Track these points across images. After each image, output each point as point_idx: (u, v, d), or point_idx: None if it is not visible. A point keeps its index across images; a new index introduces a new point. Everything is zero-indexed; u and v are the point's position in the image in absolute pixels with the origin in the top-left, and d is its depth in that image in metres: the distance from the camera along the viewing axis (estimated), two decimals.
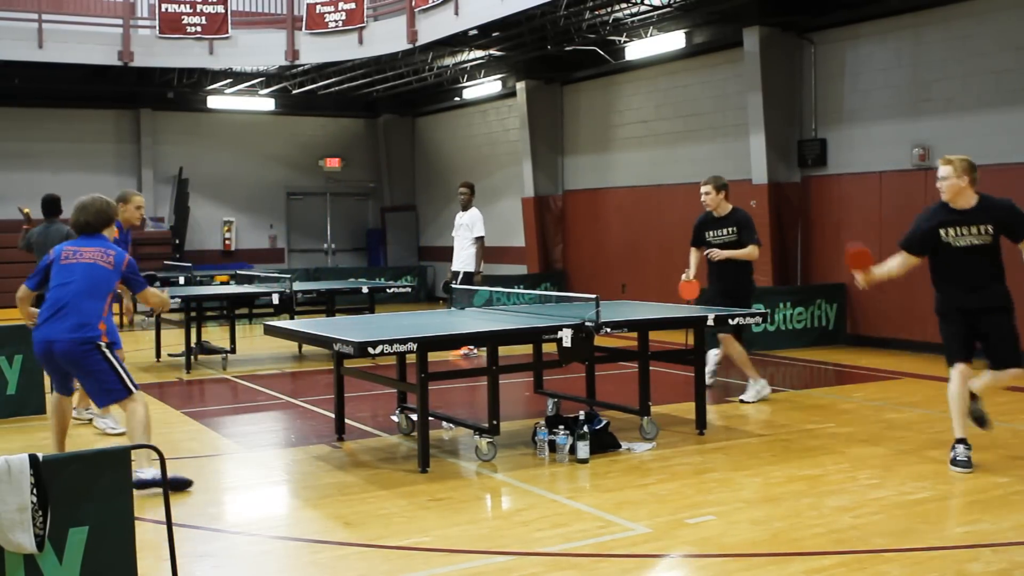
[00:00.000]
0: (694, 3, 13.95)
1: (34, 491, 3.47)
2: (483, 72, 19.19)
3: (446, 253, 22.27)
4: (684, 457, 6.98)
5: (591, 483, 6.35)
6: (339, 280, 16.72)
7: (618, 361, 8.51)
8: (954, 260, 6.52)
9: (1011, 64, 11.55)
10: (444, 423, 7.76)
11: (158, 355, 12.31)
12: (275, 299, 11.86)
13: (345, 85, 20.19)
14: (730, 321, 8.00)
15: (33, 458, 3.51)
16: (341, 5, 17.63)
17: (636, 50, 15.83)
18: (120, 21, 18.04)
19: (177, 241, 20.78)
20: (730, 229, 9.18)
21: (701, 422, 7.68)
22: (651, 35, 15.32)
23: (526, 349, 7.86)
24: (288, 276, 12.54)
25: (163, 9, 17.84)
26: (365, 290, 12.81)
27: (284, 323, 8.75)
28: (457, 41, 16.32)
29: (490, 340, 6.82)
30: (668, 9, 14.40)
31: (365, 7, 17.47)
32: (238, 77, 19.98)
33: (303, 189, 23.37)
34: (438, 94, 21.50)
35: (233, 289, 13.65)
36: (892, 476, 6.39)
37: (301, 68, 18.97)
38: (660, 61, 16.04)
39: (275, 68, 19.19)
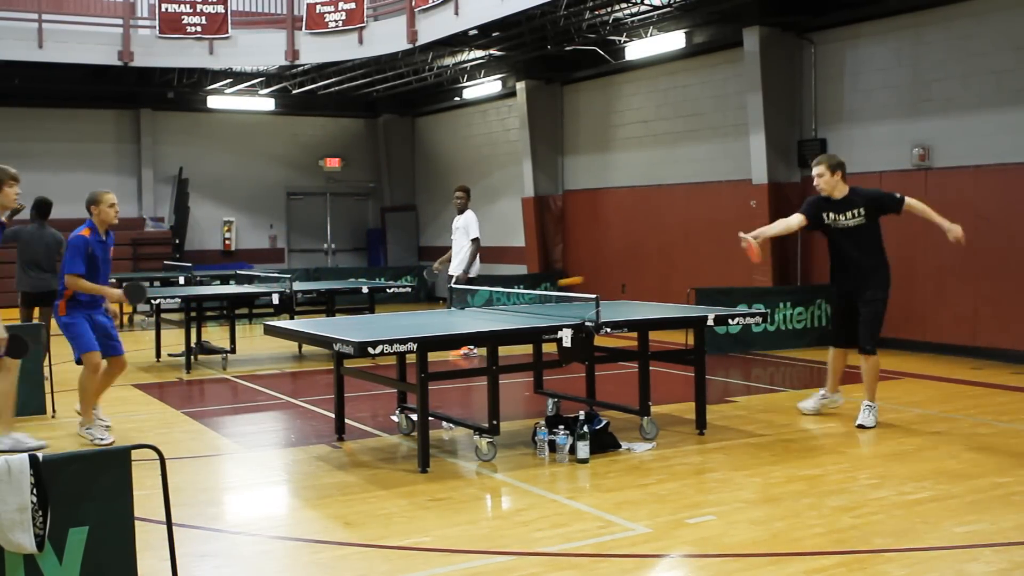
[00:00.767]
0: (694, 3, 13.95)
1: (34, 491, 3.47)
2: (483, 72, 19.20)
3: (446, 253, 22.39)
4: (684, 457, 6.98)
5: (591, 483, 6.35)
6: (339, 280, 16.72)
7: (618, 361, 8.51)
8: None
9: (1011, 64, 11.55)
10: (444, 423, 7.76)
11: (158, 355, 12.30)
12: (275, 299, 11.86)
13: (345, 85, 20.20)
14: (730, 321, 8.01)
15: (33, 458, 3.51)
16: (341, 5, 17.63)
17: (636, 50, 15.83)
18: (120, 21, 18.05)
19: (177, 241, 20.78)
20: (857, 211, 7.94)
21: (701, 422, 7.68)
22: (651, 35, 15.32)
23: (526, 349, 7.86)
24: (288, 276, 12.54)
25: (163, 9, 17.85)
26: (365, 290, 12.81)
27: (284, 323, 8.75)
28: (457, 41, 16.32)
29: (490, 340, 6.82)
30: (668, 9, 14.40)
31: (365, 7, 17.47)
32: (238, 77, 19.98)
33: (303, 189, 23.37)
34: (438, 94, 21.51)
35: (233, 289, 13.65)
36: (892, 476, 6.39)
37: (301, 68, 18.98)
38: (660, 61, 16.05)
39: (275, 68, 19.20)
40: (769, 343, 12.77)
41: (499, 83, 19.42)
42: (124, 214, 20.84)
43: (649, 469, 6.63)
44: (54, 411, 8.79)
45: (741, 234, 8.10)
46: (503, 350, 6.93)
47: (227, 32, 18.07)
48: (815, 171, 8.03)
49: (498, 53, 17.15)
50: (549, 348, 7.17)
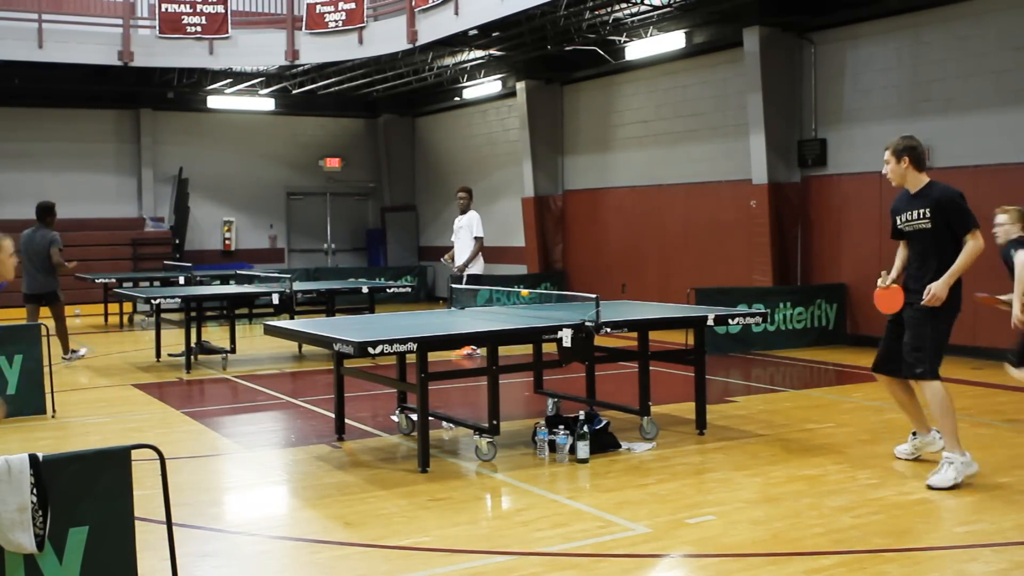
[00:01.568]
0: (694, 3, 13.95)
1: (34, 491, 3.47)
2: (483, 72, 19.19)
3: (446, 253, 22.38)
4: (684, 457, 6.98)
5: (591, 483, 6.35)
6: (339, 280, 16.72)
7: (618, 361, 8.51)
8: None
9: (1011, 64, 11.55)
10: (444, 423, 7.76)
11: (158, 355, 12.30)
12: (275, 299, 11.86)
13: (345, 85, 20.19)
14: (730, 321, 8.00)
15: (33, 458, 3.51)
16: (341, 5, 17.63)
17: (636, 50, 15.83)
18: (120, 21, 18.04)
19: (177, 241, 20.78)
20: (923, 211, 6.41)
21: (701, 422, 7.68)
22: (651, 35, 15.32)
23: (526, 349, 7.86)
24: (288, 276, 12.54)
25: (163, 9, 17.84)
26: (365, 290, 12.81)
27: (284, 323, 8.75)
28: (457, 41, 16.32)
29: (490, 340, 6.82)
30: (668, 9, 14.40)
31: (365, 7, 17.47)
32: (238, 77, 19.98)
33: (303, 189, 23.37)
34: (438, 94, 21.50)
35: (233, 289, 13.65)
36: (892, 476, 6.39)
37: (301, 68, 18.98)
38: (660, 61, 16.05)
39: (275, 68, 19.20)
40: (769, 343, 12.77)
41: (499, 83, 19.41)
42: (124, 214, 21.09)
43: (649, 469, 6.63)
44: (54, 411, 8.78)
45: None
46: (503, 350, 6.93)
47: (227, 32, 18.07)
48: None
49: (498, 53, 17.15)
50: (549, 348, 7.17)
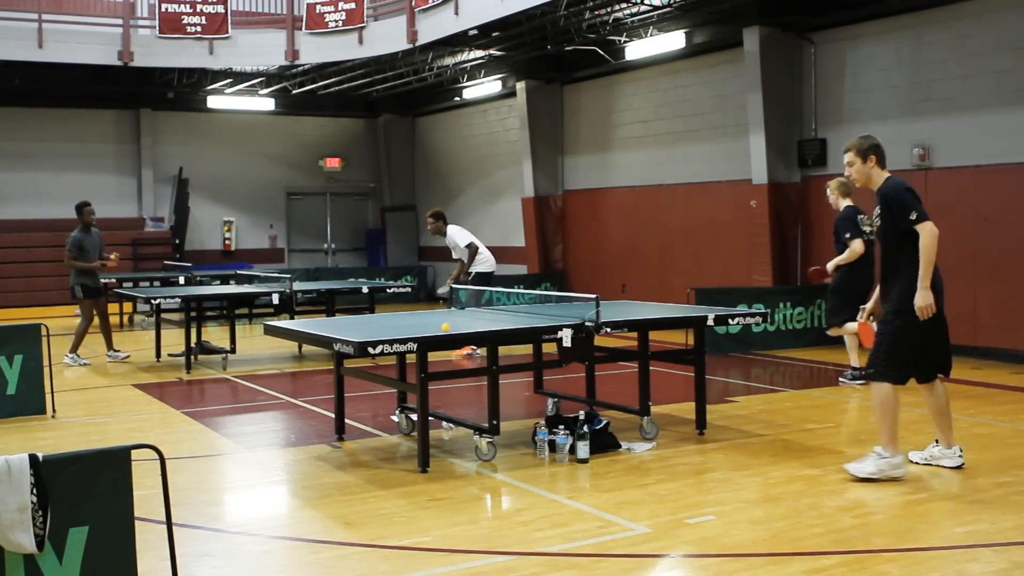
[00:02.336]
0: (694, 3, 13.95)
1: (34, 491, 3.47)
2: (483, 72, 19.19)
3: (446, 253, 22.36)
4: (684, 457, 6.98)
5: (591, 483, 6.34)
6: (339, 280, 16.72)
7: (618, 361, 8.50)
8: None
9: (1011, 64, 11.55)
10: (444, 423, 7.76)
11: (158, 355, 12.30)
12: (275, 299, 11.86)
13: (345, 85, 20.19)
14: (730, 321, 8.00)
15: (33, 458, 3.51)
16: (341, 5, 17.63)
17: (636, 50, 15.83)
18: (120, 21, 18.04)
19: (177, 241, 20.78)
20: (877, 208, 6.52)
21: (701, 422, 7.68)
22: (651, 35, 15.32)
23: (526, 349, 7.86)
24: (288, 276, 12.54)
25: (163, 9, 17.84)
26: (365, 290, 12.81)
27: (284, 323, 8.75)
28: (457, 41, 16.32)
29: (490, 340, 6.81)
30: (668, 9, 14.40)
31: (365, 7, 17.47)
32: (238, 77, 19.98)
33: (303, 189, 23.37)
34: (438, 94, 21.50)
35: (233, 289, 13.65)
36: None
37: (301, 68, 18.98)
38: (660, 61, 16.05)
39: (275, 68, 19.20)
40: (769, 343, 12.77)
41: (499, 83, 19.41)
42: (124, 214, 21.07)
43: (649, 469, 6.63)
44: (54, 411, 8.78)
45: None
46: (503, 350, 6.93)
47: (227, 32, 18.07)
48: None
49: (498, 53, 17.15)
50: (549, 348, 7.17)
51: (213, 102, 21.09)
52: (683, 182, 15.97)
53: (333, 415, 7.77)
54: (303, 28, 18.00)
